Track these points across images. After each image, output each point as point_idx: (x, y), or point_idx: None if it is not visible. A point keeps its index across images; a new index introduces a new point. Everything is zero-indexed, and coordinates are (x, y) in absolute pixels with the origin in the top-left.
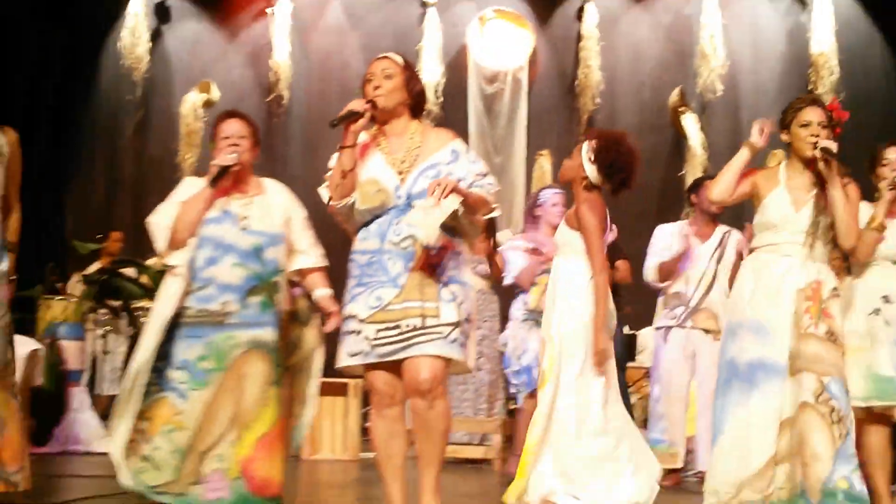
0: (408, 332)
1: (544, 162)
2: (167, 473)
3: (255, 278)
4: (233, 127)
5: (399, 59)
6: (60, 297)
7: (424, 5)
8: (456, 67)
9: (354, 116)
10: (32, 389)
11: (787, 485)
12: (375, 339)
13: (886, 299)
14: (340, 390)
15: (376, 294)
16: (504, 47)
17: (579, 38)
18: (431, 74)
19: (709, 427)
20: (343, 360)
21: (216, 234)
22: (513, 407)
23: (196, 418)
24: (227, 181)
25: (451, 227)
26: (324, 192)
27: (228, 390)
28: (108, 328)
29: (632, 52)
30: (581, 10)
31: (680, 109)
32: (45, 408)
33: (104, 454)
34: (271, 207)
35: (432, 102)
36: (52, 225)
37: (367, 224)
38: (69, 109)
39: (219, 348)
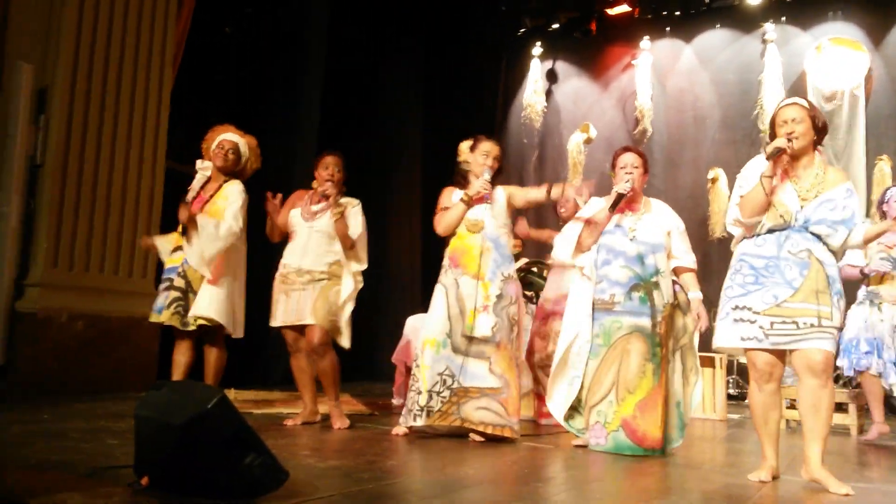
0: (805, 328)
1: (884, 165)
2: (582, 420)
3: (637, 278)
4: (627, 157)
5: (805, 103)
6: None
7: (765, 42)
8: (796, 91)
9: (781, 153)
10: None
11: None
12: (770, 329)
13: None
14: (709, 363)
15: (773, 293)
16: (841, 69)
17: None
18: (773, 100)
19: None
20: (733, 342)
21: (609, 242)
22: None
23: (588, 381)
24: (622, 203)
25: (834, 252)
26: (734, 211)
27: (611, 362)
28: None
29: None
30: None
31: None
32: None
33: None
34: (656, 223)
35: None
36: None
37: (762, 233)
38: None
39: (607, 329)
